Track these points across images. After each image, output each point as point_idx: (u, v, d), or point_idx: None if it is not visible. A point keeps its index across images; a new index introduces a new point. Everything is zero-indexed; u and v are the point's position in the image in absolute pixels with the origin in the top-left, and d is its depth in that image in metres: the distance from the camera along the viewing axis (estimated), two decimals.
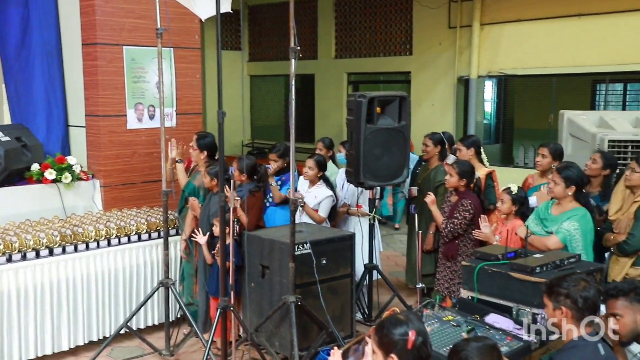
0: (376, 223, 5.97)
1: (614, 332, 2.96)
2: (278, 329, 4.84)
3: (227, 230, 4.49)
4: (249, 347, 4.78)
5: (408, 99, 5.40)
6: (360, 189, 5.68)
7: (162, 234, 5.33)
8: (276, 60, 14.13)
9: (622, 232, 4.48)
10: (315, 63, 13.39)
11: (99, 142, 6.10)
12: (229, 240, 4.54)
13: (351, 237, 5.12)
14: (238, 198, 4.76)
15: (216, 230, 4.79)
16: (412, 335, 2.28)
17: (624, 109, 11.02)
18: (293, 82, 4.40)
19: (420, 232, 4.89)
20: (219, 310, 4.13)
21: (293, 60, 4.28)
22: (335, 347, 2.44)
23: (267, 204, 5.67)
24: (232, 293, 4.44)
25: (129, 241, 5.46)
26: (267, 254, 4.88)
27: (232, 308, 4.20)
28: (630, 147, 5.39)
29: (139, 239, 5.51)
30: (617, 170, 5.08)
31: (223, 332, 4.25)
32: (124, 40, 6.08)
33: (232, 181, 4.47)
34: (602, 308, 3.06)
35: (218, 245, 4.71)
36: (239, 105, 7.61)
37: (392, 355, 2.29)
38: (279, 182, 5.70)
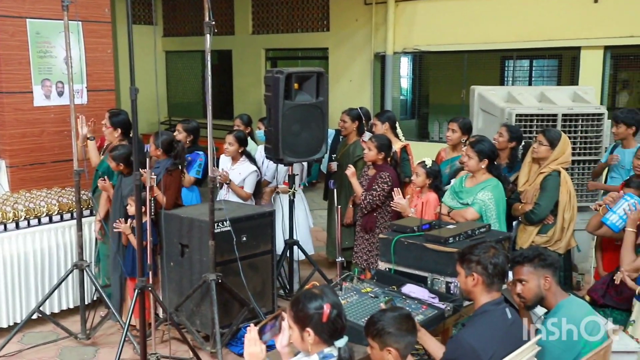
0: (304, 199, 5.99)
1: (520, 296, 3.11)
2: (199, 308, 4.79)
3: (143, 210, 4.36)
4: (169, 327, 4.71)
5: (325, 75, 5.41)
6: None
7: (74, 214, 5.13)
8: (192, 36, 13.79)
9: (529, 202, 4.69)
10: (232, 39, 13.16)
11: (3, 120, 5.77)
12: (146, 219, 4.42)
13: (271, 214, 5.11)
14: (154, 176, 4.64)
15: (131, 209, 4.65)
16: (326, 308, 2.30)
17: (530, 84, 11.50)
18: (209, 58, 4.30)
19: (339, 206, 4.95)
20: (136, 291, 4.04)
21: (208, 35, 4.18)
22: (252, 324, 2.44)
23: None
24: (149, 273, 4.34)
25: (39, 223, 5.22)
26: (186, 233, 4.80)
27: (150, 288, 4.11)
28: (535, 120, 5.62)
29: (50, 221, 5.28)
30: (523, 143, 5.30)
31: (141, 313, 4.16)
32: (26, 13, 5.74)
33: (147, 159, 4.34)
34: (510, 275, 3.21)
35: (133, 225, 4.58)
36: (154, 81, 7.39)
37: (308, 329, 2.31)
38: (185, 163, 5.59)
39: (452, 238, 3.67)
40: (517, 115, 5.60)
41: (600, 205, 4.37)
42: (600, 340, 3.01)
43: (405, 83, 12.33)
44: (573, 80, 9.52)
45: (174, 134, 5.61)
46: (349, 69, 11.60)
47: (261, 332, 2.42)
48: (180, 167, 5.23)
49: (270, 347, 2.74)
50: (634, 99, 11.69)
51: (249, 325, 2.44)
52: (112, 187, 5.04)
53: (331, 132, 6.72)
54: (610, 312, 4.02)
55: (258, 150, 6.22)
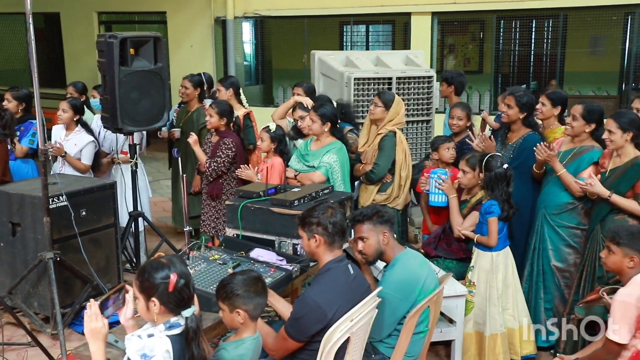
0: (142, 169, 5.77)
1: (361, 253, 3.26)
2: (36, 289, 4.49)
3: None
4: (2, 312, 4.37)
5: (163, 39, 5.19)
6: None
7: None
8: None
9: (369, 163, 4.88)
10: (59, 0, 12.18)
11: None
12: None
13: (112, 186, 4.88)
14: None
15: None
16: (173, 277, 2.26)
17: (367, 48, 11.93)
18: (30, 21, 3.96)
19: (185, 175, 4.85)
20: None
21: None
22: (92, 300, 2.33)
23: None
24: None
25: None
26: (17, 210, 4.45)
27: None
28: (372, 84, 5.84)
29: None
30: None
31: None
32: None
33: None
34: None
35: None
36: None
37: (153, 299, 2.26)
38: (17, 133, 5.16)
39: (297, 201, 3.74)
40: (355, 79, 5.77)
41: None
42: (433, 287, 3.26)
43: (249, 48, 12.23)
44: (406, 45, 10.01)
45: (3, 103, 5.13)
46: (190, 34, 11.26)
47: (103, 307, 2.32)
48: (10, 138, 4.80)
49: (113, 325, 2.65)
50: (459, 62, 12.60)
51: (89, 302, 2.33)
52: None
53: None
54: (443, 261, 4.35)
55: (94, 120, 5.87)
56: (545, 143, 4.21)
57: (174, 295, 2.27)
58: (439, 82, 6.07)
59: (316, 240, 2.97)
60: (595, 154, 4.10)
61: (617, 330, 2.98)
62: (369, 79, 5.84)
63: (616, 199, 3.84)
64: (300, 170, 4.73)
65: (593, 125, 4.11)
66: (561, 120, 4.68)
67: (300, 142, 5.02)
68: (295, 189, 4.05)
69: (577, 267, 4.15)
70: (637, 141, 3.91)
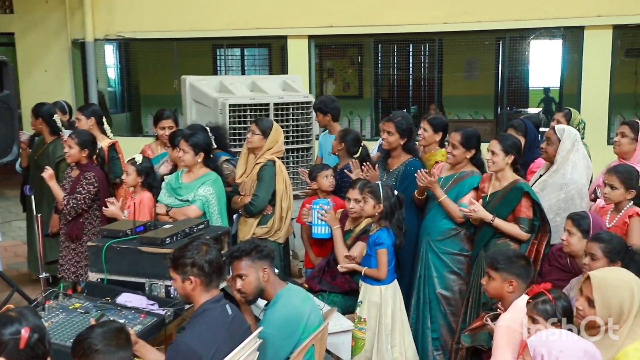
0: None
1: (241, 292, 3.23)
2: None
3: None
4: None
5: (10, 64, 4.95)
6: None
7: None
8: None
9: (247, 194, 4.88)
10: None
11: None
12: None
13: None
14: None
15: None
16: (24, 332, 2.12)
17: (243, 73, 12.01)
18: None
19: (40, 215, 4.60)
20: None
21: None
22: None
23: None
24: None
25: None
26: None
27: None
28: (248, 110, 5.85)
29: None
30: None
31: None
32: None
33: None
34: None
35: None
36: None
37: (1, 358, 2.11)
38: None
39: (169, 238, 3.65)
40: (230, 105, 5.76)
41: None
42: (318, 324, 3.29)
43: (113, 73, 11.90)
44: (283, 69, 10.18)
45: None
46: (43, 57, 10.77)
47: None
48: None
49: None
50: (339, 86, 12.98)
51: None
52: None
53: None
54: (327, 295, 4.40)
55: None
56: (425, 170, 4.42)
57: (26, 353, 2.13)
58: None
59: (191, 282, 2.91)
60: (475, 180, 4.36)
61: (500, 356, 3.14)
62: (244, 105, 5.84)
63: (499, 223, 4.09)
64: (172, 205, 4.64)
65: (473, 151, 4.38)
66: (442, 144, 4.95)
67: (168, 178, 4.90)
68: (167, 226, 3.97)
69: (462, 294, 4.35)
70: (517, 166, 4.22)
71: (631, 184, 3.90)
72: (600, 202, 4.28)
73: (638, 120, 4.66)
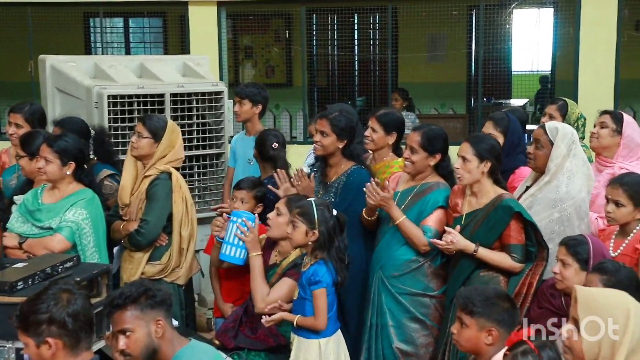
0: None
1: (124, 353, 3.17)
2: None
3: None
4: None
5: None
6: None
7: None
8: None
9: (133, 219, 4.82)
10: None
11: None
12: None
13: None
14: None
15: None
16: None
17: (127, 52, 11.88)
18: None
19: None
20: None
21: None
22: None
23: None
24: None
25: None
26: None
27: None
28: (135, 103, 5.77)
29: None
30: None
31: None
32: None
33: None
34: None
35: None
36: None
37: None
38: None
39: (22, 282, 3.60)
40: (109, 96, 5.68)
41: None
42: None
43: None
44: (183, 47, 10.11)
45: None
46: None
47: None
48: None
49: None
50: (260, 71, 12.96)
51: None
52: None
53: None
54: (247, 354, 4.38)
55: None
56: (376, 180, 4.44)
57: None
58: (232, 101, 6.18)
59: (50, 347, 2.85)
60: (441, 194, 4.43)
61: None
62: (130, 96, 5.78)
63: (483, 253, 4.17)
64: (28, 234, 4.55)
65: (438, 157, 4.44)
66: (397, 150, 4.99)
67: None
68: (20, 264, 3.89)
69: (427, 349, 4.40)
70: (497, 176, 4.28)
71: None
72: (599, 223, 4.40)
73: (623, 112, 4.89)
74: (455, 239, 4.15)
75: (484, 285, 3.99)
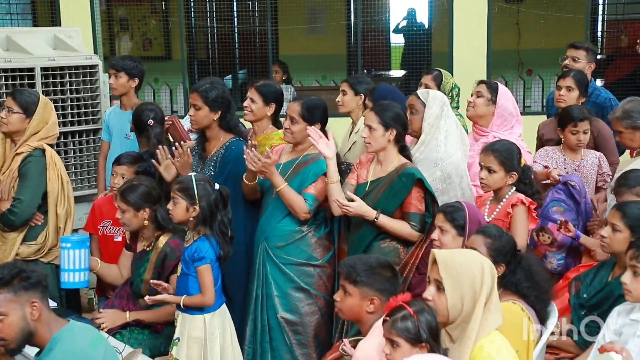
0: None
1: None
2: None
3: None
4: None
5: None
6: None
7: None
8: None
9: (5, 198, 4.72)
10: None
11: None
12: None
13: None
14: None
15: None
16: None
17: None
18: None
19: None
20: None
21: None
22: None
23: None
24: None
25: None
26: None
27: None
28: (4, 78, 5.59)
29: None
30: None
31: None
32: None
33: None
34: None
35: None
36: None
37: None
38: None
39: None
40: None
41: None
42: None
43: None
44: (54, 18, 9.82)
45: None
46: None
47: None
48: None
49: None
50: (137, 44, 12.72)
51: None
52: None
53: None
54: (130, 332, 4.30)
55: None
56: (254, 143, 4.43)
57: None
58: (107, 74, 6.05)
59: None
60: (322, 164, 4.43)
61: None
62: None
63: (384, 220, 4.21)
64: None
65: (318, 127, 4.44)
66: (276, 123, 4.98)
67: None
68: None
69: (312, 318, 4.44)
70: (402, 143, 4.33)
71: (512, 165, 4.16)
72: (474, 190, 4.53)
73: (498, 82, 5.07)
74: (354, 205, 4.17)
75: (367, 255, 4.03)
